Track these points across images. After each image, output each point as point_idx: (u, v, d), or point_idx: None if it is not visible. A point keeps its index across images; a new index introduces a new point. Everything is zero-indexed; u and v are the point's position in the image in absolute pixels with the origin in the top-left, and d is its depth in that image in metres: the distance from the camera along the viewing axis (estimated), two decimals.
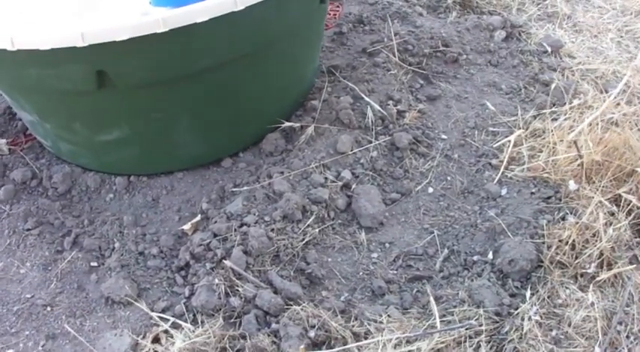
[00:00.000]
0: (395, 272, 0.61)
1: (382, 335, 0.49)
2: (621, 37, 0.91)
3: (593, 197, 0.61)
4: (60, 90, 0.61)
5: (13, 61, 0.58)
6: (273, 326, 0.54)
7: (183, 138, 0.67)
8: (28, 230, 0.67)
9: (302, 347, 0.47)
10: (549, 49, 0.80)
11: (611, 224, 0.59)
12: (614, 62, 0.83)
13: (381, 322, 0.53)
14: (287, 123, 0.70)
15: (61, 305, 0.61)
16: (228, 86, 0.63)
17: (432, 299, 0.54)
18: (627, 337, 0.51)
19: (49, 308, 0.61)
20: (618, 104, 0.72)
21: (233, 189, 0.66)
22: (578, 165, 0.63)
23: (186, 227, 0.63)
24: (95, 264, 0.64)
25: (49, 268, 0.64)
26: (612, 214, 0.61)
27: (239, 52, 0.60)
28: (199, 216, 0.65)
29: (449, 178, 0.68)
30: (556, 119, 0.70)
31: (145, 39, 0.53)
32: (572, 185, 0.63)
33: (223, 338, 0.53)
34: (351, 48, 0.81)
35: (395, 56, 0.79)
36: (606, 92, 0.75)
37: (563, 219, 0.61)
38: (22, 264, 0.65)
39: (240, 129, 0.70)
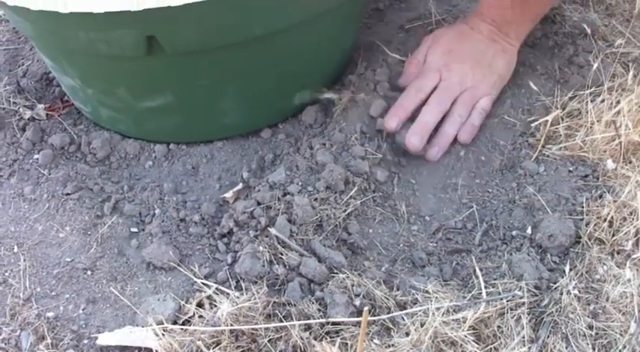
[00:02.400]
0: (435, 244, 0.63)
1: (429, 304, 0.51)
2: None
3: (630, 176, 0.62)
4: (107, 54, 0.61)
5: (61, 23, 0.59)
6: (317, 293, 0.55)
7: (225, 107, 0.68)
8: (68, 194, 0.69)
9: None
10: (586, 31, 0.82)
11: None
12: None
13: (426, 291, 0.54)
14: (327, 95, 0.71)
15: (101, 270, 0.62)
16: (275, 56, 0.64)
17: (477, 269, 0.56)
18: None
19: (89, 273, 0.62)
20: None
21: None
22: (616, 144, 0.65)
23: (228, 195, 0.65)
24: (135, 229, 0.65)
25: (89, 233, 0.65)
26: None
27: (290, 21, 0.60)
28: (240, 184, 0.66)
29: (487, 155, 0.70)
30: (593, 100, 0.71)
31: (199, 5, 0.54)
32: (609, 164, 0.64)
33: (269, 305, 0.54)
34: (388, 24, 0.82)
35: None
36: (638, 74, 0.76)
37: (601, 197, 0.63)
38: (62, 227, 0.66)
39: (281, 100, 0.71)
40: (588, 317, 0.54)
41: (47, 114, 0.77)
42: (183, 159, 0.71)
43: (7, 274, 0.63)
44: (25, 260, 0.64)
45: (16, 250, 0.65)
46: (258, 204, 0.61)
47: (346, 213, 0.62)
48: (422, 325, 0.50)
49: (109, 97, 0.68)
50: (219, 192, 0.67)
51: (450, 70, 0.70)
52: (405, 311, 0.51)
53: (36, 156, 0.73)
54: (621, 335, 0.52)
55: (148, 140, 0.72)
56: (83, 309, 0.60)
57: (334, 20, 0.67)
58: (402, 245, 0.63)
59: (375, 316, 0.53)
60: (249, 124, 0.71)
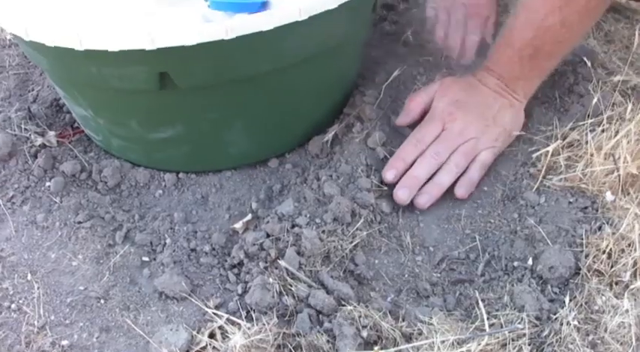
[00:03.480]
0: (439, 275, 0.65)
1: (434, 337, 0.54)
2: None
3: (629, 208, 0.65)
4: (119, 88, 0.65)
5: (76, 58, 0.62)
6: (326, 325, 0.58)
7: (234, 138, 0.71)
8: (80, 223, 0.71)
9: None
10: (584, 60, 0.85)
11: None
12: None
13: (430, 323, 0.57)
14: (333, 129, 0.74)
15: (114, 299, 0.65)
16: (283, 89, 0.67)
17: (480, 302, 0.58)
18: None
19: (102, 301, 0.65)
20: None
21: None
22: (615, 177, 0.68)
23: (238, 226, 0.67)
24: (147, 258, 0.68)
25: (101, 261, 0.68)
26: None
27: (297, 58, 0.63)
28: (250, 215, 0.69)
29: (489, 185, 0.73)
30: (593, 130, 0.74)
31: (211, 44, 0.57)
32: (608, 196, 0.67)
33: (279, 336, 0.57)
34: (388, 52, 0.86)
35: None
36: (639, 103, 0.79)
37: (600, 229, 0.66)
38: (75, 256, 0.69)
39: (288, 131, 0.74)
40: (587, 347, 0.57)
41: (58, 141, 0.80)
42: (193, 189, 0.73)
43: (21, 302, 0.66)
44: (39, 288, 0.66)
45: (29, 278, 0.67)
46: (268, 235, 0.64)
47: (353, 244, 0.65)
48: None
49: (120, 128, 0.71)
50: (228, 222, 0.69)
51: (453, 119, 0.73)
52: (411, 344, 0.54)
53: (48, 184, 0.75)
54: None
55: (158, 169, 0.75)
56: (97, 338, 0.62)
57: (338, 55, 0.70)
58: (406, 275, 0.65)
59: (382, 349, 0.55)
60: (256, 154, 0.74)
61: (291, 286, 0.60)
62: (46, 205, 0.74)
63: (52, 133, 0.81)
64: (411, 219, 0.70)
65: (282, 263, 0.61)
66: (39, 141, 0.79)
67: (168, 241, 0.68)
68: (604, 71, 0.86)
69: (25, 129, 0.81)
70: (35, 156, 0.78)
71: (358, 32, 0.72)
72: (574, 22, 0.69)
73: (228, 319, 0.60)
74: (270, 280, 0.60)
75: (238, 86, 0.65)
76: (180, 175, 0.75)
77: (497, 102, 0.74)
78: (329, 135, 0.74)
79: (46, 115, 0.84)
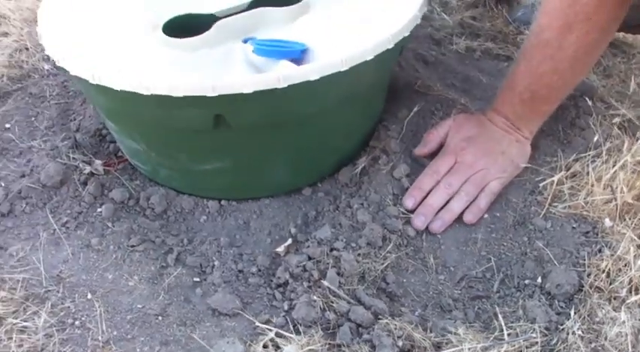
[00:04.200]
0: (459, 292, 0.80)
1: (462, 344, 0.68)
2: None
3: (625, 233, 0.81)
4: (176, 127, 0.79)
5: (139, 101, 0.75)
6: (365, 336, 0.72)
7: (274, 169, 0.85)
8: (133, 246, 0.85)
9: None
10: (584, 95, 1.00)
11: (639, 257, 0.79)
12: (638, 108, 1.04)
13: (457, 333, 0.72)
14: (361, 161, 0.89)
15: (171, 315, 0.78)
16: (321, 127, 0.82)
17: (499, 314, 0.73)
18: None
19: (160, 318, 0.78)
20: None
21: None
22: (613, 205, 0.83)
23: (280, 249, 0.81)
24: (197, 279, 0.81)
25: (156, 282, 0.82)
26: None
27: (336, 100, 0.78)
28: (290, 239, 0.83)
29: (501, 212, 0.88)
30: (593, 161, 0.89)
31: (264, 91, 0.71)
32: (607, 222, 0.83)
33: (325, 347, 0.71)
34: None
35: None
36: (634, 136, 0.95)
37: (600, 251, 0.81)
38: (130, 277, 0.82)
39: (322, 162, 0.88)
40: None
41: (104, 169, 0.94)
42: (235, 215, 0.87)
43: (84, 319, 0.79)
44: (99, 306, 0.79)
45: (89, 297, 0.80)
46: (309, 258, 0.78)
47: (384, 265, 0.79)
48: None
49: (171, 161, 0.85)
50: (270, 245, 0.84)
51: (465, 153, 0.88)
52: (445, 350, 0.68)
53: (99, 210, 0.89)
54: None
55: (201, 196, 0.89)
56: (157, 351, 0.76)
57: (369, 95, 0.85)
58: (431, 292, 0.80)
59: None
60: (292, 183, 0.89)
61: (332, 303, 0.75)
62: (99, 230, 0.87)
63: (98, 162, 0.94)
64: (433, 243, 0.84)
65: (324, 282, 0.75)
66: (87, 169, 0.93)
67: (216, 263, 0.82)
68: (603, 105, 1.02)
69: (73, 158, 0.95)
70: (85, 184, 0.92)
71: (386, 74, 0.87)
72: (565, 69, 0.85)
73: (277, 332, 0.74)
74: (314, 297, 0.74)
75: (283, 126, 0.79)
76: (223, 202, 0.89)
77: (504, 138, 0.90)
78: (358, 167, 0.89)
79: (90, 144, 0.98)
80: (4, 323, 0.77)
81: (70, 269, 0.83)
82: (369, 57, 0.73)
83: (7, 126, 1.05)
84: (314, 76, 0.70)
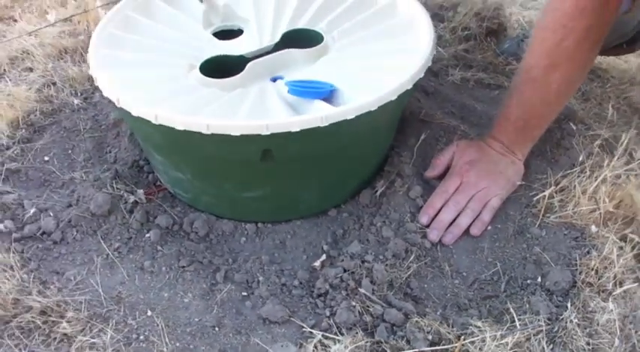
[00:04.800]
0: (472, 293, 1.01)
1: (484, 334, 0.89)
2: (619, 103, 1.36)
3: (609, 237, 1.03)
4: (226, 160, 0.98)
5: (196, 139, 0.94)
6: (399, 333, 0.93)
7: (306, 195, 1.06)
8: (183, 267, 1.03)
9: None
10: (568, 117, 1.24)
11: (621, 256, 1.01)
12: (615, 126, 1.28)
13: (477, 326, 0.93)
14: (379, 184, 1.10)
15: (226, 326, 0.97)
16: (349, 157, 1.03)
17: (511, 309, 0.95)
18: (636, 332, 0.93)
19: (217, 329, 0.97)
20: (627, 162, 1.15)
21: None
22: (597, 214, 1.06)
23: (317, 264, 1.02)
24: (245, 293, 1.00)
25: (208, 297, 1.00)
26: (621, 248, 1.03)
27: (365, 134, 0.99)
28: (324, 255, 1.03)
29: (502, 224, 1.10)
30: (578, 177, 1.12)
31: (309, 129, 0.91)
32: (593, 228, 1.05)
33: (367, 344, 0.91)
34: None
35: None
36: (612, 154, 1.18)
37: (589, 252, 1.03)
38: (185, 294, 1.01)
39: (346, 186, 1.09)
40: (586, 337, 0.93)
41: (147, 198, 1.13)
42: (272, 236, 1.07)
43: (147, 334, 0.97)
44: (160, 321, 0.98)
45: (150, 313, 0.99)
46: (345, 270, 0.98)
47: (408, 273, 1.00)
48: (480, 349, 0.88)
49: (214, 189, 1.05)
50: (307, 261, 1.04)
51: (469, 175, 1.10)
52: (469, 340, 0.89)
53: (147, 235, 1.07)
54: (609, 348, 0.91)
55: (239, 220, 1.09)
56: None
57: (387, 127, 1.07)
58: (448, 295, 1.01)
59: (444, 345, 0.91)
60: (320, 206, 1.09)
61: (368, 307, 0.95)
62: (149, 253, 1.06)
63: (140, 191, 1.13)
64: (447, 252, 1.06)
65: (361, 290, 0.95)
66: (132, 198, 1.11)
67: (261, 279, 1.02)
68: (583, 127, 1.26)
69: (117, 188, 1.13)
70: (131, 212, 1.10)
71: (402, 109, 1.08)
72: (551, 101, 1.08)
73: (324, 335, 0.94)
74: (353, 303, 0.95)
75: (318, 157, 0.99)
76: (259, 225, 1.09)
77: (502, 160, 1.12)
78: (377, 189, 1.10)
79: (130, 175, 1.17)
80: (74, 341, 0.94)
81: (128, 290, 1.01)
82: (394, 97, 0.94)
83: (46, 158, 1.23)
84: (350, 116, 0.91)
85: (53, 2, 1.68)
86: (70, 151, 1.25)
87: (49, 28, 1.53)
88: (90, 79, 1.40)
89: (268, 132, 0.90)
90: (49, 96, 1.36)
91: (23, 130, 1.28)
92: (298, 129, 0.90)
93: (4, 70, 1.46)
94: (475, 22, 1.55)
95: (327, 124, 0.91)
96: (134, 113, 0.94)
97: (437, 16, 1.59)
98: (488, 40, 1.55)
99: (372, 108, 0.93)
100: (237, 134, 0.90)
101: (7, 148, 1.24)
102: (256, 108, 0.99)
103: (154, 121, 0.92)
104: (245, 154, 0.95)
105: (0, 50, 1.49)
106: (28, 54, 1.48)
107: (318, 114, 0.90)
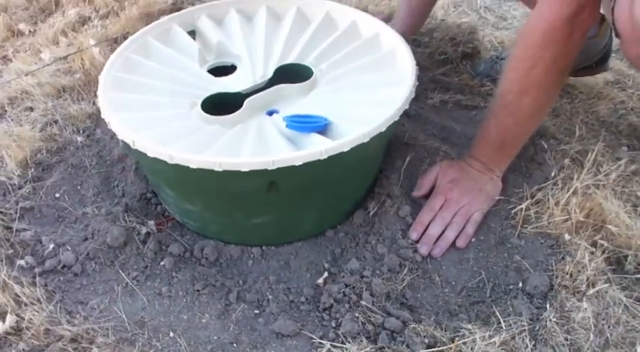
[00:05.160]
0: (461, 300, 1.18)
1: (475, 335, 1.06)
2: (588, 118, 1.55)
3: (580, 244, 1.21)
4: (234, 192, 1.14)
5: (208, 175, 1.10)
6: (399, 339, 1.09)
7: (306, 219, 1.22)
8: (198, 291, 1.19)
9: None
10: (540, 134, 1.42)
11: (592, 260, 1.19)
12: (585, 140, 1.46)
13: (467, 329, 1.10)
14: (371, 205, 1.27)
15: (243, 342, 1.12)
16: (344, 182, 1.19)
17: (497, 313, 1.12)
18: (609, 327, 1.10)
19: (235, 345, 1.12)
20: (595, 174, 1.33)
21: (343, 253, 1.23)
22: (570, 223, 1.24)
23: (320, 281, 1.18)
24: (257, 311, 1.16)
25: (224, 317, 1.16)
26: (592, 253, 1.20)
27: (358, 162, 1.16)
28: (326, 273, 1.19)
29: (485, 236, 1.27)
30: (552, 189, 1.30)
31: (311, 162, 1.07)
32: (566, 237, 1.23)
33: (372, 350, 1.08)
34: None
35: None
36: (582, 166, 1.36)
37: (563, 258, 1.21)
38: (202, 315, 1.16)
39: (341, 209, 1.26)
40: (564, 334, 1.10)
41: (157, 228, 1.28)
42: (276, 257, 1.23)
43: None
44: (182, 341, 1.13)
45: (172, 335, 1.14)
46: (346, 286, 1.15)
47: (403, 285, 1.17)
48: (472, 349, 1.05)
49: (223, 217, 1.21)
50: (310, 279, 1.20)
51: (452, 193, 1.28)
52: (462, 341, 1.06)
53: (162, 263, 1.23)
54: (585, 342, 1.08)
55: (246, 244, 1.25)
56: None
57: (376, 153, 1.24)
58: (440, 302, 1.18)
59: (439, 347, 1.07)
60: (318, 228, 1.26)
61: (370, 317, 1.11)
62: (165, 280, 1.21)
63: (151, 222, 1.28)
64: (436, 264, 1.23)
65: (362, 302, 1.12)
66: (144, 229, 1.27)
67: (270, 297, 1.18)
68: (555, 142, 1.44)
69: (129, 220, 1.28)
70: (144, 242, 1.26)
71: (390, 136, 1.25)
72: (525, 122, 1.26)
73: (332, 344, 1.10)
74: (356, 315, 1.11)
75: (318, 185, 1.16)
76: (264, 248, 1.25)
77: (481, 178, 1.30)
78: (370, 210, 1.27)
79: (139, 208, 1.32)
80: None
81: (150, 315, 1.16)
82: (383, 129, 1.11)
83: (57, 195, 1.38)
84: (346, 148, 1.08)
85: (45, 40, 1.83)
86: (79, 187, 1.40)
87: (44, 66, 1.68)
88: (91, 116, 1.56)
89: (274, 167, 1.06)
90: (52, 135, 1.51)
91: (32, 169, 1.43)
92: (301, 163, 1.06)
93: (5, 110, 1.60)
94: (451, 46, 1.74)
95: (325, 157, 1.07)
96: (150, 154, 1.09)
97: (415, 42, 1.77)
98: (464, 63, 1.73)
99: (365, 140, 1.09)
100: (247, 170, 1.06)
101: (20, 187, 1.39)
102: (258, 144, 1.15)
103: (169, 161, 1.08)
104: (253, 187, 1.11)
105: (0, 91, 1.64)
106: (27, 94, 1.63)
107: (317, 149, 1.06)
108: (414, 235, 1.24)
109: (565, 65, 1.22)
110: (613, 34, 1.12)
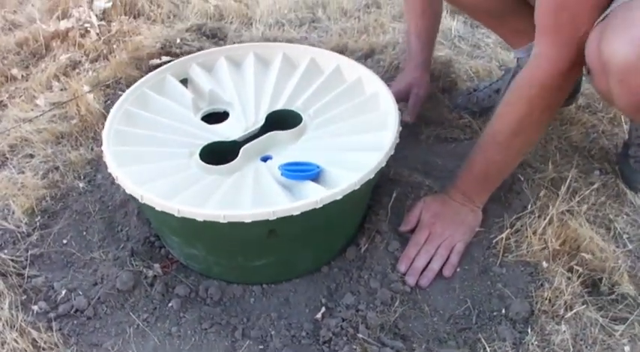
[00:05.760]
0: (449, 327, 1.31)
1: None
2: (561, 144, 1.70)
3: (558, 270, 1.35)
4: (237, 239, 1.27)
5: (212, 226, 1.22)
6: None
7: (303, 258, 1.35)
8: (206, 329, 1.31)
9: None
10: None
11: (569, 285, 1.33)
12: (559, 166, 1.61)
13: None
14: (362, 241, 1.40)
15: None
16: (337, 224, 1.33)
17: (482, 338, 1.25)
18: (586, 347, 1.25)
19: None
20: (570, 201, 1.47)
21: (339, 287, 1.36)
22: (547, 252, 1.38)
23: (318, 316, 1.31)
24: (262, 346, 1.29)
25: None
26: (569, 278, 1.35)
27: (350, 206, 1.29)
28: (323, 308, 1.32)
29: (469, 266, 1.41)
30: (530, 218, 1.44)
31: (307, 212, 1.20)
32: (544, 264, 1.37)
33: None
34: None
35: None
36: (557, 194, 1.51)
37: (542, 285, 1.34)
38: None
39: (334, 246, 1.39)
40: None
41: (163, 271, 1.40)
42: (276, 295, 1.36)
43: None
44: None
45: None
46: (343, 320, 1.28)
47: (395, 316, 1.30)
48: None
49: (226, 260, 1.33)
50: (309, 314, 1.33)
51: (435, 227, 1.41)
52: None
53: (170, 304, 1.35)
54: None
55: (247, 283, 1.37)
56: None
57: (366, 195, 1.37)
58: (430, 331, 1.31)
59: None
60: (313, 265, 1.39)
61: (367, 348, 1.25)
62: (174, 320, 1.33)
63: (157, 266, 1.41)
64: (425, 295, 1.36)
65: (359, 335, 1.25)
66: (151, 273, 1.39)
67: (273, 333, 1.30)
68: (531, 170, 1.58)
69: (136, 264, 1.41)
70: (152, 285, 1.38)
71: (378, 178, 1.39)
72: (511, 160, 1.40)
73: None
74: (354, 346, 1.24)
75: (313, 229, 1.29)
76: (264, 286, 1.37)
77: (462, 210, 1.44)
78: (361, 246, 1.40)
79: (144, 251, 1.44)
80: None
81: None
82: (372, 176, 1.24)
83: (65, 241, 1.50)
84: (339, 196, 1.21)
85: (38, 85, 1.94)
86: (84, 233, 1.52)
87: (42, 114, 1.80)
88: (90, 162, 1.68)
89: (274, 217, 1.18)
90: (55, 182, 1.63)
91: (39, 217, 1.54)
92: (299, 213, 1.19)
93: (7, 157, 1.72)
94: (430, 81, 1.87)
95: (321, 206, 1.20)
96: (158, 208, 1.22)
97: (393, 78, 1.90)
98: (442, 97, 1.87)
99: (356, 188, 1.22)
100: (249, 221, 1.18)
101: (28, 235, 1.51)
102: (256, 193, 1.27)
103: (176, 215, 1.20)
104: (254, 234, 1.24)
105: (0, 139, 1.75)
106: (27, 141, 1.74)
107: (313, 199, 1.19)
108: (401, 268, 1.38)
109: (556, 109, 1.37)
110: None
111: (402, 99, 1.69)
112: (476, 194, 1.45)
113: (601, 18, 1.14)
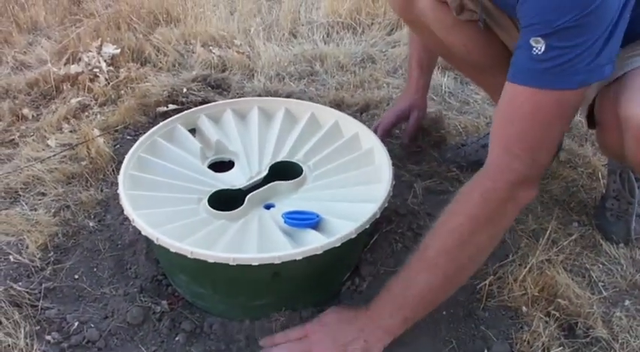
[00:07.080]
0: None
1: None
2: (543, 197, 1.87)
3: (536, 314, 1.51)
4: (243, 280, 1.42)
5: (221, 267, 1.38)
6: None
7: (302, 296, 1.51)
8: None
9: None
10: None
11: (547, 328, 1.49)
12: (540, 218, 1.78)
13: None
14: (357, 281, 1.56)
15: None
16: (335, 266, 1.49)
17: None
18: None
19: None
20: (549, 251, 1.64)
21: None
22: (527, 298, 1.54)
23: None
24: None
25: None
26: (547, 322, 1.51)
27: (348, 251, 1.45)
28: None
29: (454, 309, 1.57)
30: (511, 265, 1.61)
31: (311, 256, 1.36)
32: (524, 309, 1.53)
33: None
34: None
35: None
36: (537, 245, 1.68)
37: (522, 328, 1.51)
38: None
39: (331, 288, 1.55)
40: None
41: (170, 308, 1.55)
42: (277, 329, 1.51)
43: None
44: None
45: None
46: None
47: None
48: None
49: (231, 300, 1.49)
50: None
51: (314, 335, 1.38)
52: None
53: (177, 339, 1.50)
54: None
55: (247, 318, 1.52)
56: None
57: (362, 238, 1.54)
58: None
59: None
60: (312, 304, 1.54)
61: None
62: None
63: (164, 302, 1.56)
64: (411, 335, 1.52)
65: None
66: (159, 308, 1.54)
67: None
68: (514, 222, 1.75)
69: (145, 300, 1.55)
70: (159, 320, 1.52)
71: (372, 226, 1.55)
72: (437, 285, 1.32)
73: None
74: None
75: (313, 271, 1.45)
76: (263, 320, 1.53)
77: (355, 336, 1.33)
78: (355, 285, 1.56)
79: (152, 288, 1.59)
80: None
81: None
82: (367, 225, 1.41)
83: (76, 276, 1.64)
84: (338, 244, 1.37)
85: (49, 127, 2.10)
86: (95, 269, 1.66)
87: (52, 152, 1.95)
88: (100, 202, 1.84)
89: (279, 262, 1.34)
90: (67, 220, 1.78)
91: (52, 252, 1.69)
92: (301, 258, 1.35)
93: (19, 194, 1.87)
94: (421, 136, 2.05)
95: (322, 252, 1.36)
96: (172, 250, 1.37)
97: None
98: (433, 151, 2.04)
99: (353, 236, 1.39)
100: (256, 264, 1.34)
101: (42, 269, 1.65)
102: (261, 238, 1.43)
103: (189, 256, 1.35)
104: (260, 276, 1.40)
105: (13, 176, 1.90)
106: (39, 179, 1.90)
107: (315, 246, 1.35)
108: (262, 342, 1.43)
109: (488, 239, 1.30)
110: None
111: (403, 119, 1.91)
112: (389, 316, 1.33)
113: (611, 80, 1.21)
